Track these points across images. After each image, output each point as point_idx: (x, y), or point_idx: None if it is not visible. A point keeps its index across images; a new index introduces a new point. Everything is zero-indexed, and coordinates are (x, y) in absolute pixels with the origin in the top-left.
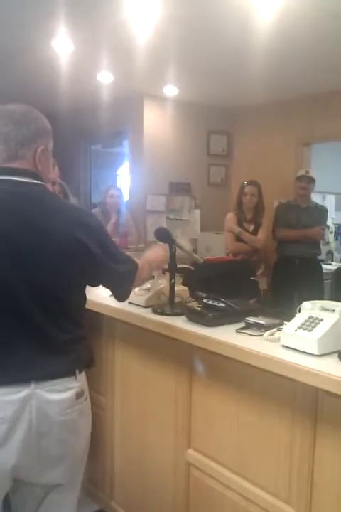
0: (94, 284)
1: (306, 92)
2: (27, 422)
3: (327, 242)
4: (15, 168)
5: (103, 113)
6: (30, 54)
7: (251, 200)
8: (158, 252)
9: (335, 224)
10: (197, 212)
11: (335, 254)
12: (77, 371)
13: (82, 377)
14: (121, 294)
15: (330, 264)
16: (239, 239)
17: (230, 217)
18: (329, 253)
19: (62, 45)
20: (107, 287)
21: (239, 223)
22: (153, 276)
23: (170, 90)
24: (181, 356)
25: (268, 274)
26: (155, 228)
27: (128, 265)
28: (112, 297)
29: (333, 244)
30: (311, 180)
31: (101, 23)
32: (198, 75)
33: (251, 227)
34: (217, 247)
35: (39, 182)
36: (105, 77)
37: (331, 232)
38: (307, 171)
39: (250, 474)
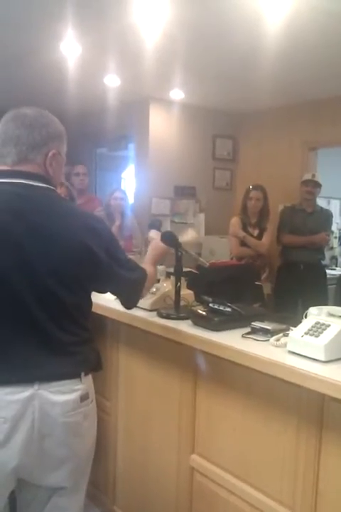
0: (101, 291)
1: (312, 97)
2: (29, 422)
3: (331, 248)
4: (25, 171)
5: (109, 116)
6: (38, 56)
7: (256, 205)
8: (157, 246)
9: (340, 229)
10: (202, 216)
11: (339, 260)
12: (83, 373)
13: (87, 379)
14: (128, 302)
15: (334, 269)
16: (243, 243)
17: (235, 222)
18: (334, 258)
19: (69, 48)
20: (115, 294)
21: (244, 227)
22: (159, 280)
23: (177, 94)
24: (186, 360)
25: (272, 278)
26: (162, 232)
27: (137, 273)
28: (117, 301)
29: (337, 250)
30: (317, 185)
31: (109, 27)
32: (205, 79)
33: (256, 232)
34: (221, 251)
35: (48, 186)
36: (112, 81)
37: (335, 238)
38: (313, 175)
39: (254, 480)
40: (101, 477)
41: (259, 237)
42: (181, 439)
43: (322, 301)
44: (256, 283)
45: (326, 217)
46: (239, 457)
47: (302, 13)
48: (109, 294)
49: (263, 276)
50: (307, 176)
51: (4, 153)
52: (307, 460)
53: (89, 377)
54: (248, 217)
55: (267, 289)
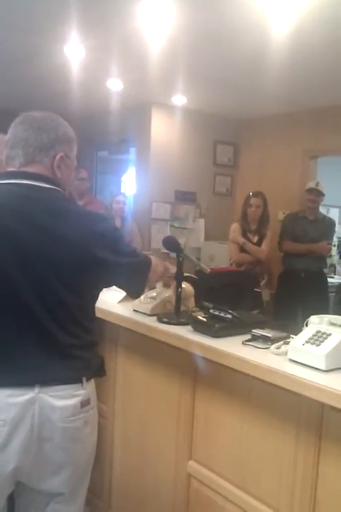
0: (108, 286)
1: (314, 105)
2: (28, 425)
3: (330, 256)
4: (31, 172)
5: (111, 120)
6: (41, 59)
7: (256, 212)
8: (166, 264)
9: (339, 237)
10: (202, 221)
11: (338, 268)
12: (85, 379)
13: (89, 385)
14: (133, 287)
15: (333, 277)
16: (242, 249)
17: (235, 228)
18: (332, 266)
19: (73, 51)
20: (120, 284)
21: (244, 234)
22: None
23: (179, 99)
24: (185, 366)
25: (271, 285)
26: (162, 237)
27: (140, 257)
28: (118, 304)
29: (336, 258)
30: (320, 194)
31: (113, 30)
32: (207, 85)
33: (256, 238)
34: (221, 256)
35: (54, 187)
36: (114, 85)
37: (334, 246)
38: (317, 184)
39: (252, 488)
40: (97, 481)
41: (259, 243)
42: (179, 444)
43: (322, 310)
44: (255, 290)
45: (328, 225)
46: (236, 464)
47: (307, 22)
48: (109, 296)
49: (262, 282)
50: (311, 185)
51: (12, 155)
52: (305, 469)
53: (92, 382)
54: (248, 224)
55: (266, 295)
